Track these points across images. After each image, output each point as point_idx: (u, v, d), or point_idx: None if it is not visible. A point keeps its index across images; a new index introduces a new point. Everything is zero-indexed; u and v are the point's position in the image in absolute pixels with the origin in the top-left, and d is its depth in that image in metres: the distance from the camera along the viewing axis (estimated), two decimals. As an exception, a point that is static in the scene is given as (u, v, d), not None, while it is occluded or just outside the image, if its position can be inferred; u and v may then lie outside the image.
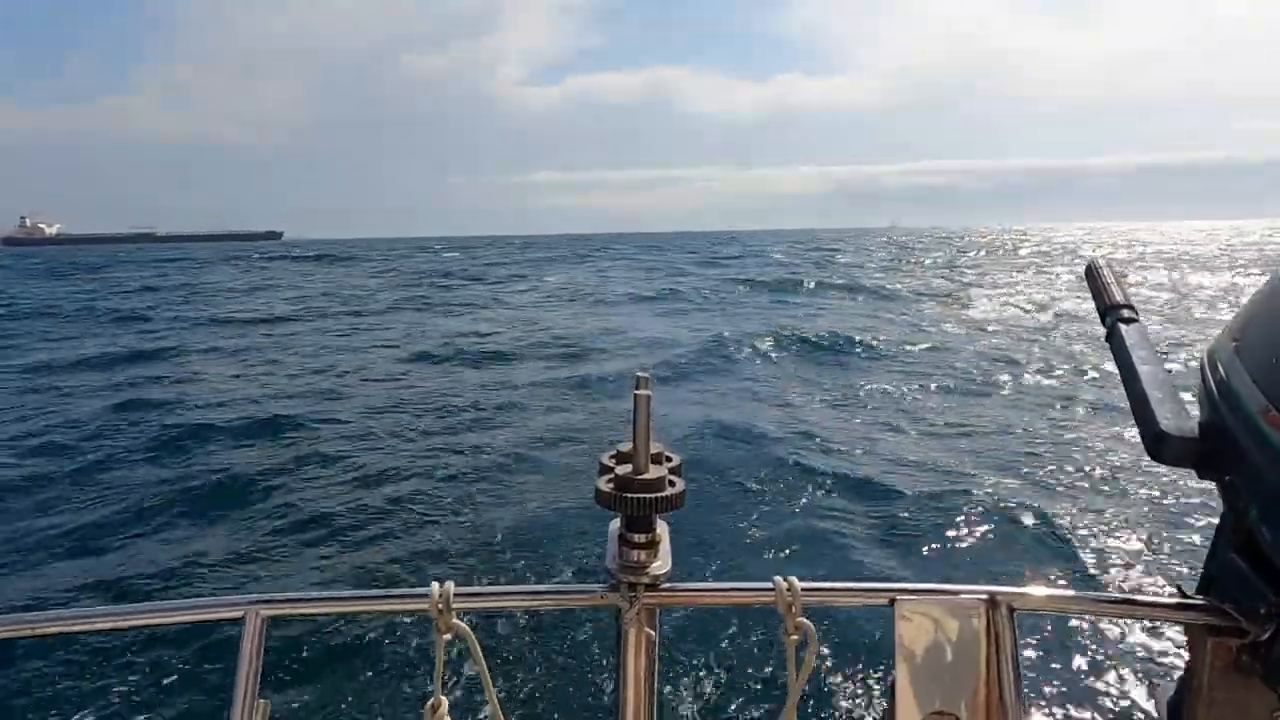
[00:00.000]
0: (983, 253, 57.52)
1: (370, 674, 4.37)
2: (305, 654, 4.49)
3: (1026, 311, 21.54)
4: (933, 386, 11.88)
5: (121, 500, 7.05)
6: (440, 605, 0.94)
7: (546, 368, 14.13)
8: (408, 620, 4.67)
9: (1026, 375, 12.72)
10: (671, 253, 63.04)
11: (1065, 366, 13.37)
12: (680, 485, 0.97)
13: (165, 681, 4.29)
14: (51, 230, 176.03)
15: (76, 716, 4.04)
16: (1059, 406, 10.56)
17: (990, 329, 18.46)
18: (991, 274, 36.56)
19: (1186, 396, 1.02)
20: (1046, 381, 12.29)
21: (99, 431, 9.55)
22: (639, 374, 0.96)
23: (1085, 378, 12.38)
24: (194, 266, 54.26)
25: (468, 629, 0.96)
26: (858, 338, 16.27)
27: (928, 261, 46.10)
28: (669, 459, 1.01)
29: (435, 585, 0.96)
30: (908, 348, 15.52)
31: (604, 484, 0.96)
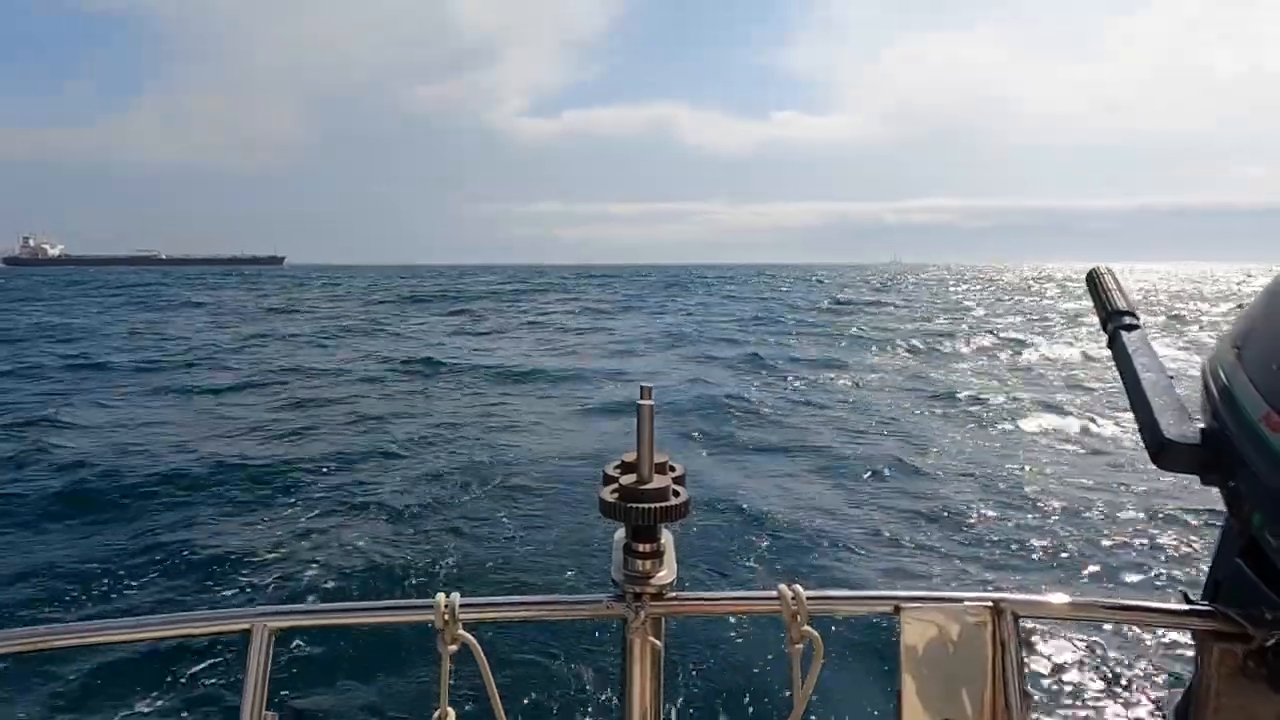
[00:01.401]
0: (978, 287, 58.15)
1: (377, 685, 4.36)
2: (312, 666, 4.47)
3: (1019, 339, 21.66)
4: (931, 397, 11.94)
5: (125, 514, 7.06)
6: (446, 616, 0.94)
7: (546, 385, 14.22)
8: (414, 631, 4.66)
9: (1027, 386, 12.77)
10: (681, 285, 63.24)
11: (1067, 376, 13.43)
12: (684, 495, 0.96)
13: (172, 695, 4.26)
14: (55, 251, 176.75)
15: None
16: (1060, 415, 10.59)
17: (990, 347, 18.56)
18: (991, 303, 36.83)
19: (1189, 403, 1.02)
20: (1047, 391, 12.34)
21: (97, 443, 9.58)
22: (642, 385, 0.96)
23: (1087, 387, 12.44)
24: (189, 285, 54.47)
25: (473, 640, 0.96)
26: (857, 355, 16.33)
27: (931, 284, 46.66)
28: (673, 469, 1.01)
29: (441, 596, 0.96)
30: (906, 363, 15.60)
31: (608, 494, 0.96)
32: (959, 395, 12.48)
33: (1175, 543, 6.08)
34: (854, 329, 24.64)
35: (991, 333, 23.14)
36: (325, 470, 8.46)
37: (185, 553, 6.09)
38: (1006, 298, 45.51)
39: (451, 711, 0.97)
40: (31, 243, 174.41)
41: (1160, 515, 6.64)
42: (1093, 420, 10.34)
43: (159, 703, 4.21)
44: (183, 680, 4.36)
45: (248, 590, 5.45)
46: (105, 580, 5.66)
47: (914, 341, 20.35)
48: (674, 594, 0.99)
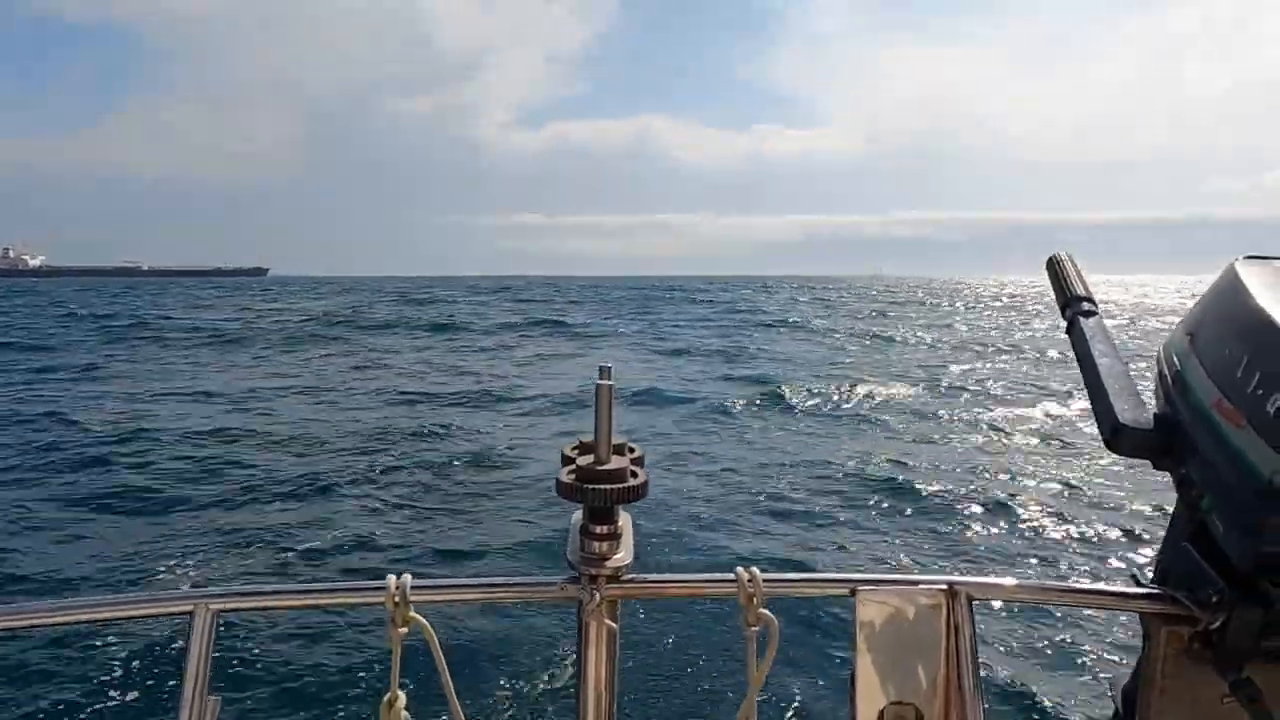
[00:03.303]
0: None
1: (325, 669, 4.27)
2: (258, 650, 4.39)
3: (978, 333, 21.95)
4: (890, 385, 12.11)
5: (66, 497, 6.94)
6: (397, 598, 0.92)
7: (504, 372, 14.32)
8: (364, 614, 4.59)
9: (982, 374, 12.95)
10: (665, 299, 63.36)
11: (1021, 364, 13.65)
12: (643, 476, 0.95)
13: (111, 679, 4.17)
14: (35, 262, 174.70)
15: (17, 715, 3.93)
16: (1017, 401, 10.71)
17: (949, 337, 18.82)
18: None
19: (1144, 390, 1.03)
20: (1003, 378, 12.52)
21: (42, 430, 9.45)
22: (601, 365, 0.95)
23: (1040, 374, 12.63)
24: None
25: (425, 622, 0.94)
26: (827, 352, 16.50)
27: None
28: (631, 450, 1.00)
29: (391, 578, 0.93)
30: (859, 357, 15.86)
31: (565, 475, 0.94)
32: (913, 384, 12.64)
33: (1126, 527, 6.15)
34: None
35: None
36: (272, 459, 8.39)
37: (125, 535, 5.99)
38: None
39: (402, 695, 0.94)
40: (10, 254, 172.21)
41: (1112, 500, 6.71)
42: (1047, 407, 10.46)
43: (98, 687, 4.11)
44: (123, 664, 4.27)
45: (190, 572, 5.35)
46: (42, 564, 5.55)
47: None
48: (630, 576, 0.97)
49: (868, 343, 23.11)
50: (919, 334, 26.47)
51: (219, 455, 8.67)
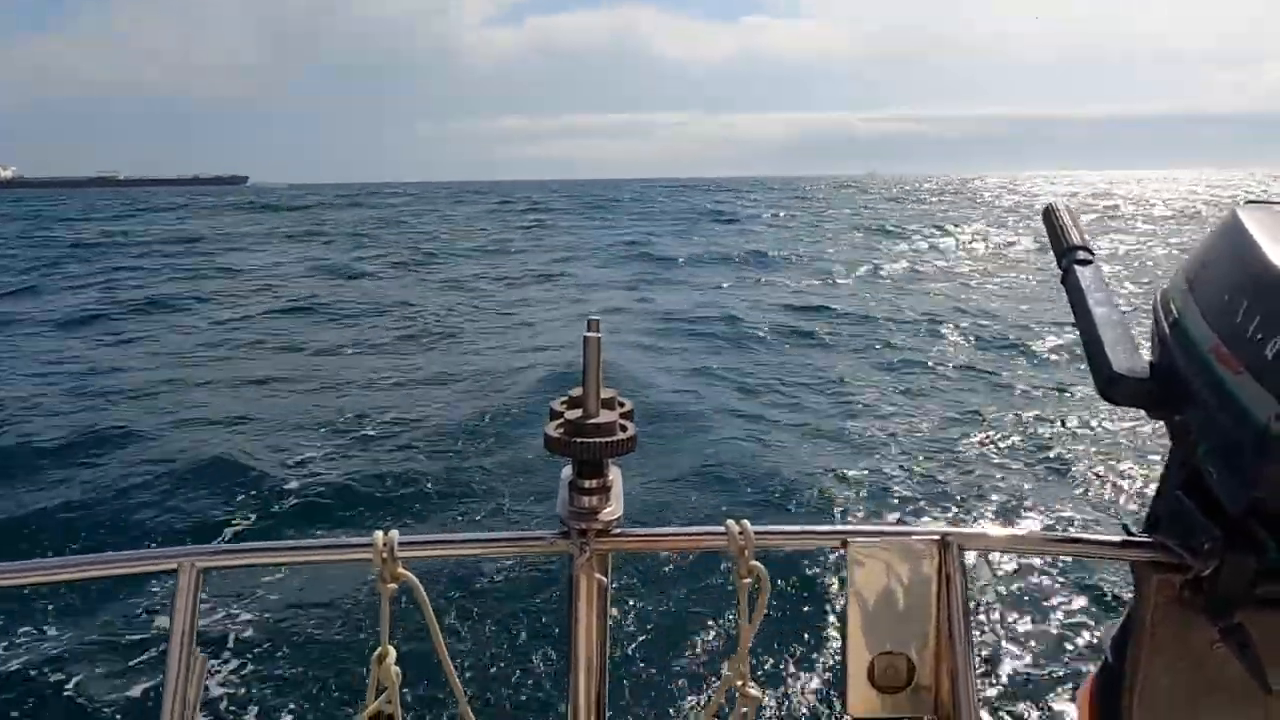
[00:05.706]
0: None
1: (314, 625, 4.30)
2: (245, 606, 4.40)
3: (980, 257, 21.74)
4: (880, 330, 11.97)
5: (46, 450, 6.85)
6: (385, 554, 0.92)
7: (487, 308, 14.06)
8: (352, 571, 4.57)
9: (975, 317, 12.81)
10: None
11: (1013, 308, 13.53)
12: (632, 430, 0.96)
13: (97, 638, 4.17)
14: (6, 174, 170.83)
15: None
16: (1010, 348, 10.63)
17: (947, 274, 18.66)
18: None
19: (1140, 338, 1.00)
20: (996, 322, 12.39)
21: (17, 377, 9.33)
22: (589, 317, 0.94)
23: (1035, 319, 12.47)
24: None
25: (414, 578, 0.94)
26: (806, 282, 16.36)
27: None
28: (621, 403, 1.00)
29: (379, 534, 0.93)
30: (850, 292, 15.70)
31: (554, 429, 0.95)
32: (905, 328, 12.46)
33: (1119, 476, 6.16)
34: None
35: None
36: (252, 404, 8.27)
37: (109, 490, 5.93)
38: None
39: (392, 650, 0.95)
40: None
41: (1106, 449, 6.71)
42: (1040, 355, 10.38)
43: (83, 646, 4.12)
44: (108, 622, 4.26)
45: (176, 529, 5.33)
46: (21, 520, 5.49)
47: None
48: (620, 530, 0.98)
49: (861, 250, 22.87)
50: (925, 240, 26.27)
51: (191, 398, 8.56)
